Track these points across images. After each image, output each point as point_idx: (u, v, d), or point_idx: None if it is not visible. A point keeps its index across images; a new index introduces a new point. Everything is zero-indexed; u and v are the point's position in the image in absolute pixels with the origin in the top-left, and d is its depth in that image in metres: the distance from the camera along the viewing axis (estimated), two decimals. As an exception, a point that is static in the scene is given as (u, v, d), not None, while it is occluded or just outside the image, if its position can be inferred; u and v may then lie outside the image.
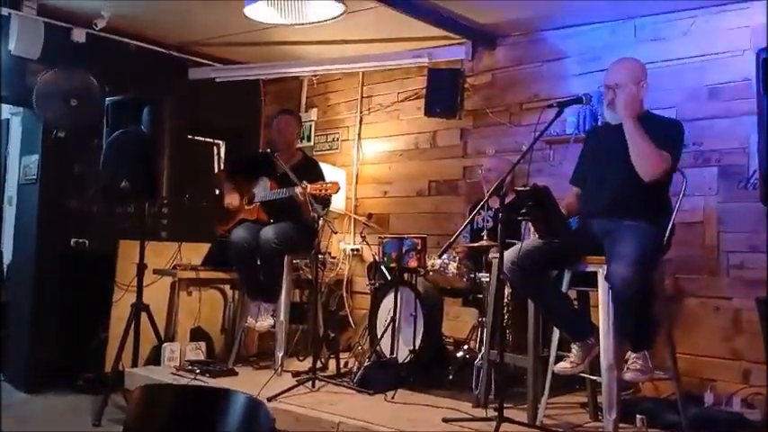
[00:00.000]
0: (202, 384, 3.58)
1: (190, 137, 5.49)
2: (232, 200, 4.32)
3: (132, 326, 4.03)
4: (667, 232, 3.01)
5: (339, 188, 3.79)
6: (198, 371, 3.87)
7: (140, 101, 4.08)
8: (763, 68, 2.89)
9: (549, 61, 4.53)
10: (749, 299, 3.46)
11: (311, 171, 4.21)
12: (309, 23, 3.50)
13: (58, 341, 4.62)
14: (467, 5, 4.23)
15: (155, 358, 4.21)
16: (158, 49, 5.24)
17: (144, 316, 4.06)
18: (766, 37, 3.10)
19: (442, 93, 4.77)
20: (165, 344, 4.16)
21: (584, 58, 4.31)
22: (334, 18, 3.45)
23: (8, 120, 5.25)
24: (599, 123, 3.87)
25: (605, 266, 2.89)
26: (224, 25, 4.72)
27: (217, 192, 4.71)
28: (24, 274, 4.82)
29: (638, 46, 4.07)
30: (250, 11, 3.37)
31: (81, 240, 4.80)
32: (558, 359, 3.09)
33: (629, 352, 2.88)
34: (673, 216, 3.05)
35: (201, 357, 4.20)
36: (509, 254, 2.99)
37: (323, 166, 4.60)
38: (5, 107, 5.07)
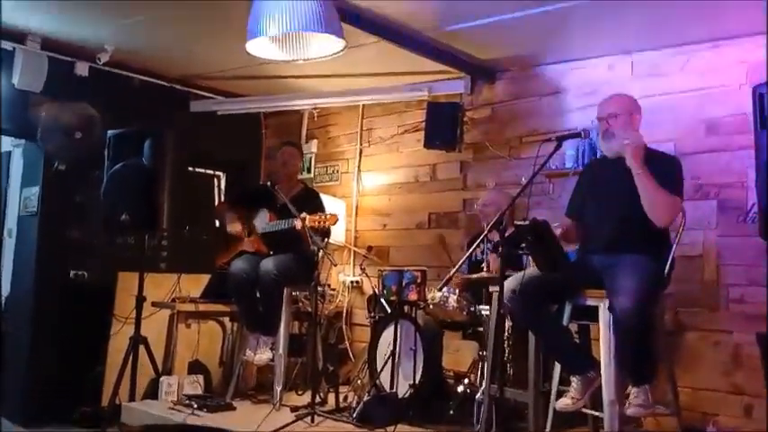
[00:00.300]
0: (200, 424, 3.55)
1: (190, 169, 5.52)
2: (235, 227, 4.32)
3: (130, 359, 4.00)
4: (667, 267, 3.01)
5: (337, 219, 3.80)
6: (195, 405, 3.83)
7: (142, 133, 4.11)
8: (759, 104, 2.93)
9: (547, 95, 4.57)
10: (749, 333, 3.45)
11: (311, 202, 4.22)
12: (310, 59, 3.53)
13: (55, 374, 4.59)
14: (466, 41, 4.29)
15: (152, 392, 4.17)
16: (160, 82, 5.29)
17: (142, 349, 4.03)
18: (767, 73, 3.14)
19: (442, 126, 4.80)
20: (162, 377, 4.12)
21: (582, 93, 4.36)
22: (335, 54, 3.49)
23: (9, 152, 5.28)
24: (598, 157, 3.89)
25: (606, 300, 2.89)
26: (226, 59, 4.77)
27: (217, 223, 4.72)
28: (23, 306, 4.80)
29: (635, 81, 4.12)
30: (252, 47, 3.41)
31: (80, 272, 4.80)
32: (560, 394, 3.07)
33: (631, 386, 2.87)
34: (672, 250, 3.05)
35: (199, 391, 4.16)
36: (509, 283, 2.98)
37: (323, 197, 4.62)
38: (7, 139, 5.10)
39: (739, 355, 3.62)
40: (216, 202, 5.71)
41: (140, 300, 4.09)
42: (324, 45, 3.46)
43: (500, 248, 2.85)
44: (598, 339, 2.97)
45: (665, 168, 3.04)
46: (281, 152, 4.45)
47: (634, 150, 2.99)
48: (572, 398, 2.98)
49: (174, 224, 4.49)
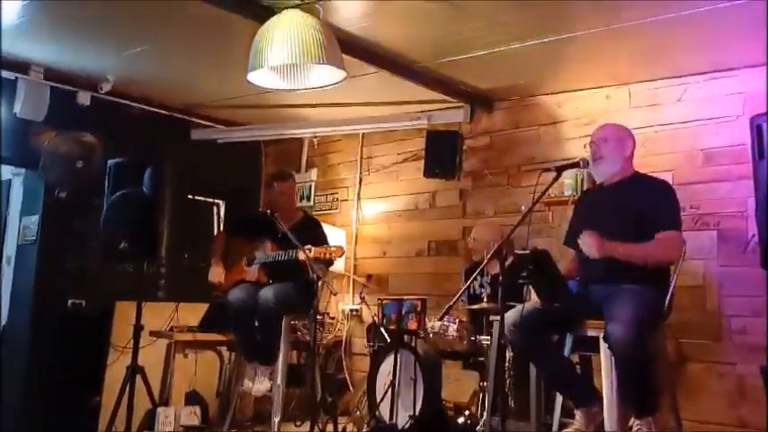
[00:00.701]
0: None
1: (190, 197, 5.53)
2: (217, 275, 4.25)
3: (127, 389, 3.95)
4: (668, 296, 2.99)
5: (344, 252, 3.77)
6: (192, 437, 3.79)
7: (142, 162, 4.12)
8: (757, 135, 2.94)
9: (545, 125, 4.60)
10: (753, 364, 3.42)
11: (312, 231, 4.20)
12: (311, 89, 3.55)
13: (52, 403, 4.54)
14: (465, 71, 4.32)
15: (149, 423, 4.11)
16: (161, 111, 5.31)
17: (139, 378, 3.99)
18: (766, 104, 3.16)
19: (441, 154, 4.83)
20: (159, 408, 4.06)
21: (580, 123, 4.38)
22: (336, 84, 3.51)
23: (10, 180, 5.29)
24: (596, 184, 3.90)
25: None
26: (226, 88, 4.81)
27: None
28: (21, 334, 4.76)
29: (633, 111, 4.15)
30: (253, 77, 3.43)
31: (78, 301, 4.77)
32: (562, 426, 3.03)
33: (633, 419, 2.83)
34: (672, 280, 3.04)
35: (196, 422, 4.11)
36: (510, 317, 2.96)
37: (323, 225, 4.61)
38: (7, 168, 5.11)
39: (743, 386, 3.59)
40: (215, 230, 5.70)
41: (138, 329, 4.05)
42: (324, 75, 3.48)
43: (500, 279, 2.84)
44: (600, 370, 2.94)
45: (659, 200, 3.03)
46: (279, 186, 4.33)
47: (595, 250, 2.92)
48: (576, 429, 2.94)
49: (173, 252, 4.48)
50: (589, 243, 2.94)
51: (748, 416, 3.55)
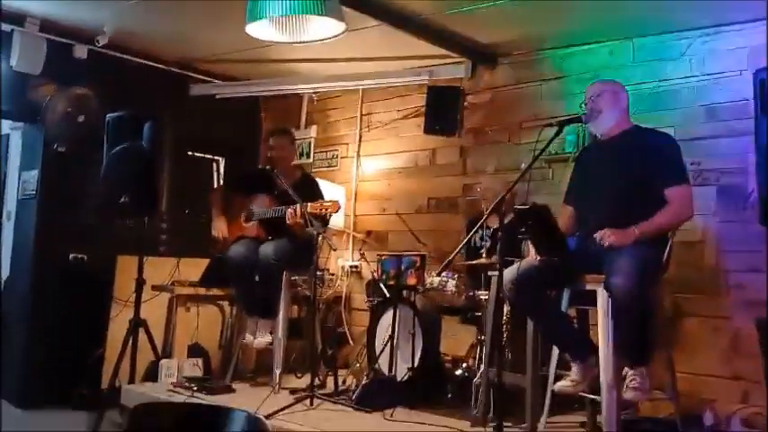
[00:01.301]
0: (200, 402, 3.57)
1: (189, 153, 5.51)
2: (220, 230, 4.26)
3: (130, 342, 4.01)
4: (666, 250, 3.01)
5: (339, 207, 3.78)
6: (195, 387, 3.85)
7: (141, 117, 4.10)
8: (760, 89, 2.92)
9: (548, 80, 4.55)
10: (749, 319, 3.45)
11: (309, 189, 4.20)
12: (310, 41, 3.51)
13: (54, 357, 4.60)
14: (468, 25, 4.27)
15: (152, 375, 4.19)
16: (159, 65, 5.26)
17: (141, 332, 4.04)
18: (766, 58, 3.12)
19: (442, 111, 4.79)
20: (162, 360, 4.13)
21: (583, 78, 4.32)
22: (335, 36, 3.47)
23: (8, 135, 5.26)
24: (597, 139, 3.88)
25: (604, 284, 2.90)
26: (225, 42, 4.74)
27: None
28: (22, 289, 4.80)
29: (636, 66, 4.11)
30: (251, 29, 3.39)
31: (79, 256, 4.80)
32: (558, 378, 3.08)
33: (627, 368, 2.87)
34: (670, 235, 3.05)
35: (199, 374, 4.18)
36: (508, 273, 2.98)
37: (322, 182, 4.61)
38: (5, 122, 5.08)
39: (738, 340, 3.63)
40: (215, 187, 5.69)
41: (140, 283, 4.09)
42: (324, 28, 3.43)
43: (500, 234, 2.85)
44: (597, 324, 2.97)
45: (662, 153, 3.02)
46: (273, 145, 4.34)
47: (616, 240, 2.90)
48: (572, 381, 2.99)
49: (174, 208, 4.45)
50: (606, 237, 2.91)
51: (741, 368, 3.60)
